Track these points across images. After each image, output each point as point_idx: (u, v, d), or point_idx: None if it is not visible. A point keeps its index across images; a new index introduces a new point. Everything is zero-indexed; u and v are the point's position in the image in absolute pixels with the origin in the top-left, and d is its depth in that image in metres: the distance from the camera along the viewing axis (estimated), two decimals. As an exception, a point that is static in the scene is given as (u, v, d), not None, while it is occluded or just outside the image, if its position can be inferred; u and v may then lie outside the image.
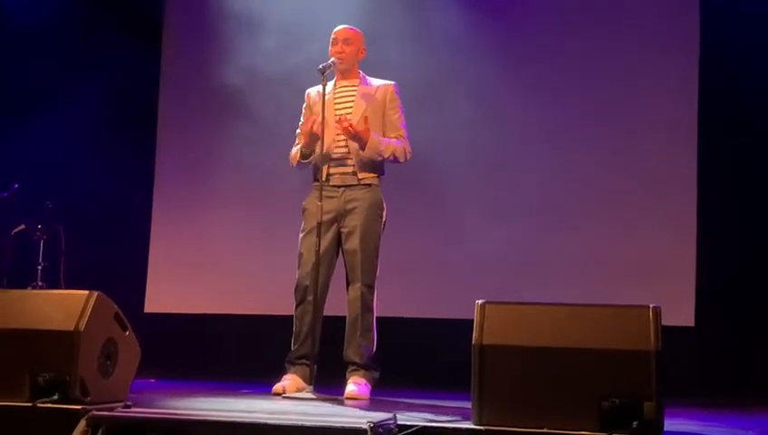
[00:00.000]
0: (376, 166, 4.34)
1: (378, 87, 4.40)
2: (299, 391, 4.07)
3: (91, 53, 6.49)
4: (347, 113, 4.33)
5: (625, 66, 5.67)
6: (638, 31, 5.67)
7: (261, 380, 4.50)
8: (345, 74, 4.41)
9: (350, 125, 4.16)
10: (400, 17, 6.02)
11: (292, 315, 4.28)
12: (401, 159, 4.36)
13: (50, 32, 6.52)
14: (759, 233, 5.40)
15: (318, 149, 4.25)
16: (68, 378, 3.07)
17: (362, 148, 4.21)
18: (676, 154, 5.53)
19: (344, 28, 4.42)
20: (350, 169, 4.30)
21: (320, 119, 4.20)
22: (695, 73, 5.54)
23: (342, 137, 4.30)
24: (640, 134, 5.60)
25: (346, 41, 4.37)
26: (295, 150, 4.40)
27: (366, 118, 4.23)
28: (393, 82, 4.43)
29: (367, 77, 4.45)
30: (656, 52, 5.62)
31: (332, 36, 4.40)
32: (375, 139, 4.24)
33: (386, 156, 4.29)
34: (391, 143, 4.31)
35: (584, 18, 5.79)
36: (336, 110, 4.34)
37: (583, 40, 5.77)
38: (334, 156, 4.30)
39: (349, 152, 4.30)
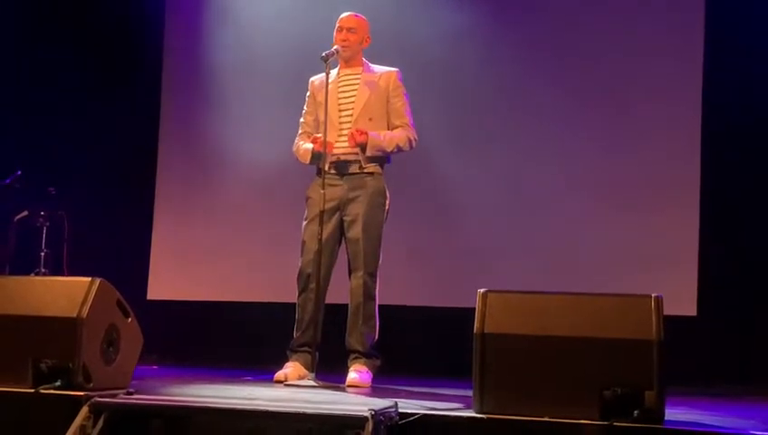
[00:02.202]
0: (379, 155, 4.33)
1: (381, 74, 4.38)
2: (301, 378, 4.07)
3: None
4: (350, 101, 4.32)
5: (626, 56, 5.65)
6: (642, 21, 5.65)
7: (263, 367, 4.51)
8: (348, 62, 4.40)
9: (351, 137, 4.18)
10: (411, 9, 6.00)
11: (295, 303, 4.29)
12: (407, 149, 4.35)
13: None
14: (762, 222, 5.39)
15: (313, 122, 4.36)
16: (70, 364, 3.09)
17: (363, 151, 4.22)
18: (679, 143, 5.51)
19: (349, 16, 4.40)
20: (352, 158, 4.29)
21: (324, 113, 4.20)
22: (699, 63, 5.51)
23: (346, 125, 4.29)
24: (643, 123, 5.58)
25: (351, 29, 4.35)
26: (304, 149, 4.38)
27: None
28: (396, 69, 4.42)
29: (370, 64, 4.43)
30: (660, 43, 5.59)
31: (337, 24, 4.39)
32: (375, 138, 4.24)
33: (389, 150, 4.29)
34: (394, 137, 4.31)
35: (589, 15, 5.77)
36: (339, 97, 4.34)
37: (587, 35, 5.75)
38: (337, 146, 4.29)
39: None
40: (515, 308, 2.94)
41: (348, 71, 4.40)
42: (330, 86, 4.25)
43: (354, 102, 4.32)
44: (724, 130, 5.45)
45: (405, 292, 5.56)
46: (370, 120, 4.31)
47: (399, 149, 4.33)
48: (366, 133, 4.21)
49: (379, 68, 4.42)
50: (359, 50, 4.40)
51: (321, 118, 4.27)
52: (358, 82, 4.36)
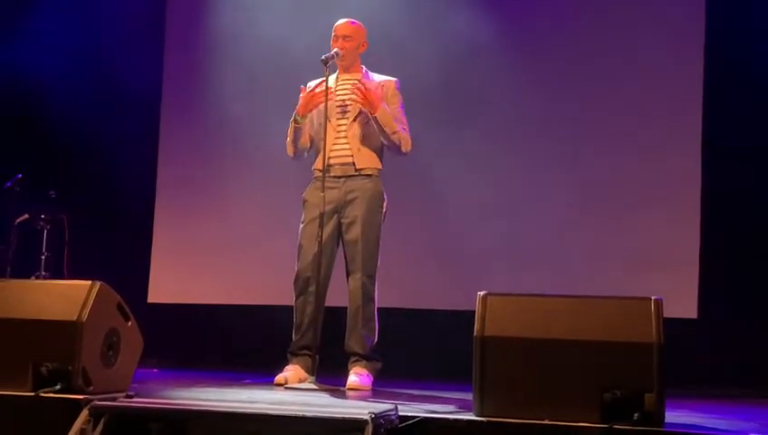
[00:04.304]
0: (375, 157, 4.34)
1: (380, 82, 4.38)
2: (301, 381, 4.07)
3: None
4: (348, 109, 4.32)
5: (626, 57, 5.64)
6: (642, 22, 5.65)
7: (263, 370, 4.51)
8: (347, 68, 4.41)
9: (364, 84, 4.15)
10: (411, 18, 6.01)
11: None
12: (403, 148, 4.35)
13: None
14: (763, 224, 5.38)
15: (308, 122, 4.31)
16: (70, 368, 3.08)
17: (374, 111, 4.19)
18: (680, 144, 5.51)
19: (345, 23, 4.40)
20: (350, 160, 4.30)
21: (321, 108, 4.22)
22: (700, 63, 5.51)
23: (343, 129, 4.30)
24: (643, 123, 5.58)
25: (345, 37, 4.36)
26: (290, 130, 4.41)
27: (382, 86, 4.21)
28: (395, 79, 4.41)
29: (369, 72, 4.44)
30: (660, 40, 5.59)
31: (333, 31, 4.39)
32: (385, 109, 4.24)
33: (391, 131, 4.26)
34: (397, 125, 4.31)
35: (588, 18, 5.77)
36: (337, 101, 4.34)
37: (585, 37, 5.75)
38: (335, 149, 4.30)
39: (348, 143, 4.30)
40: (515, 311, 2.94)
41: (346, 76, 4.40)
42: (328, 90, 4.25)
43: (352, 105, 4.32)
44: (725, 131, 5.43)
45: (405, 295, 5.56)
46: (368, 123, 4.31)
47: (399, 141, 4.30)
48: (380, 97, 4.19)
49: (378, 76, 4.43)
50: (355, 56, 4.41)
51: (317, 120, 4.28)
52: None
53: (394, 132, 4.27)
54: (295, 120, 4.31)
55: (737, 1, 5.50)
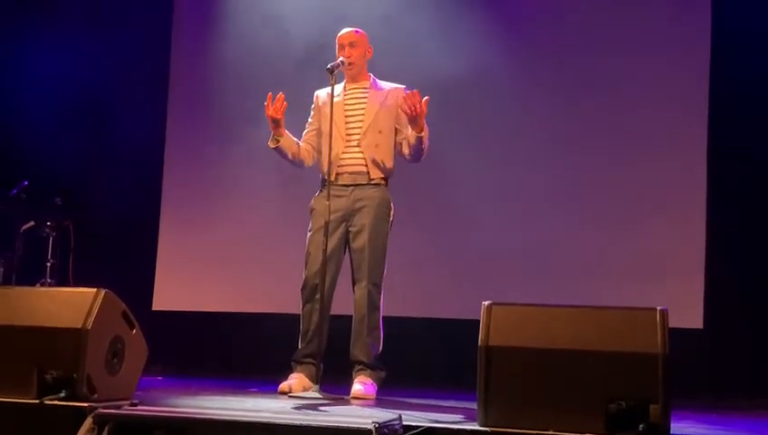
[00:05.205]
0: (387, 165, 4.34)
1: (389, 91, 4.38)
2: (305, 390, 4.07)
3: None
4: (359, 113, 4.33)
5: (632, 65, 5.64)
6: (647, 28, 5.65)
7: (267, 378, 4.51)
8: (355, 77, 4.41)
9: (423, 104, 4.09)
10: (415, 19, 6.03)
11: (299, 314, 4.28)
12: (422, 158, 4.36)
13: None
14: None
15: (285, 136, 4.30)
16: (75, 375, 3.08)
17: (420, 129, 4.16)
18: (685, 153, 5.49)
19: (349, 32, 4.41)
20: (363, 169, 4.30)
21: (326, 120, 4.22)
22: (706, 71, 5.49)
23: (354, 138, 4.30)
24: (649, 132, 5.56)
25: (352, 44, 4.36)
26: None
27: (426, 100, 4.18)
28: (403, 86, 4.41)
29: (377, 80, 4.44)
30: (665, 51, 5.59)
31: (337, 42, 4.40)
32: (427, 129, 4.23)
33: (423, 147, 4.25)
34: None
35: (595, 26, 5.77)
36: (346, 110, 4.35)
37: (590, 44, 5.75)
38: (344, 157, 4.30)
39: (361, 152, 4.30)
40: (520, 321, 2.94)
41: (354, 85, 4.41)
42: (336, 99, 4.26)
43: (364, 114, 4.33)
44: (731, 139, 5.41)
45: (409, 303, 5.55)
46: (380, 132, 4.32)
47: (422, 155, 4.31)
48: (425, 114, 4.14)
49: (386, 84, 4.43)
50: (363, 63, 4.42)
51: (326, 130, 4.28)
52: (365, 94, 4.37)
53: (426, 146, 4.27)
54: (275, 140, 4.30)
55: (743, 1, 5.48)
